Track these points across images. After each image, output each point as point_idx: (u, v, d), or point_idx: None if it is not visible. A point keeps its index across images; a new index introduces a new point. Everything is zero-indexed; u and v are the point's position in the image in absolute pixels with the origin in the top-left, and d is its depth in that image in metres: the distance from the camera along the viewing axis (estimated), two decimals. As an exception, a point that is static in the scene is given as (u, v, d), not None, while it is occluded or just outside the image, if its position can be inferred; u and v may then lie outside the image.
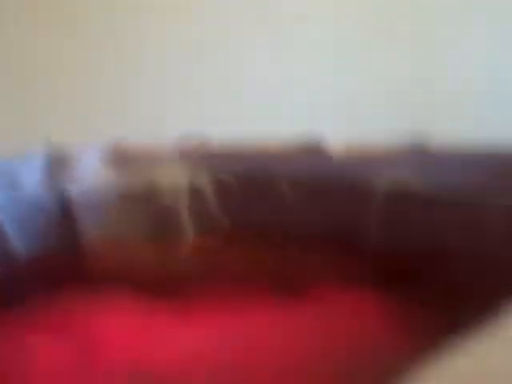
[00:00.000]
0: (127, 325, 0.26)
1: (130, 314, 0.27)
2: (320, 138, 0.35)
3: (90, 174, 0.34)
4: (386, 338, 0.26)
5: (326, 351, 0.25)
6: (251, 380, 0.22)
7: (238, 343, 0.25)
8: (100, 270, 0.31)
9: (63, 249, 0.31)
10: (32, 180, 0.31)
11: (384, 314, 0.27)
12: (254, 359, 0.23)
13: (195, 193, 0.36)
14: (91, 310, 0.27)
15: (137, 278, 0.31)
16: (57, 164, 0.33)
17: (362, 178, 0.33)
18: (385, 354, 0.25)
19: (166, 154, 0.36)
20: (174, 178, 0.36)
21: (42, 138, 0.35)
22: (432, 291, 0.28)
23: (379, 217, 0.32)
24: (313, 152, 0.34)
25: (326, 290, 0.29)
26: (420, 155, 0.33)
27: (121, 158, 0.35)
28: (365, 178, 0.33)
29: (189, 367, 0.23)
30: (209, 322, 0.26)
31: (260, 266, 0.33)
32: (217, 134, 0.37)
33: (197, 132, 0.37)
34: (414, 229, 0.32)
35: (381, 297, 0.29)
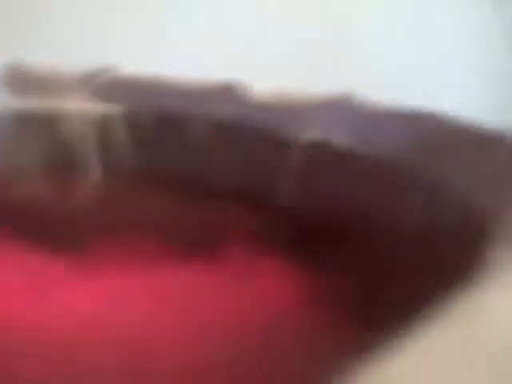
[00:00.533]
0: (10, 274, 0.23)
1: (16, 263, 0.24)
2: (245, 83, 0.32)
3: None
4: (292, 308, 0.24)
5: (227, 320, 0.23)
6: (148, 356, 0.19)
7: (135, 306, 0.22)
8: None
9: None
10: None
11: (286, 285, 0.25)
12: (152, 328, 0.21)
13: (104, 125, 0.33)
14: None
15: (29, 219, 0.27)
16: None
17: (282, 127, 0.30)
18: (289, 329, 0.23)
19: (73, 79, 0.32)
20: (81, 107, 0.32)
21: None
22: (349, 261, 0.26)
23: (297, 170, 0.30)
24: (236, 94, 0.31)
25: (235, 249, 0.27)
26: (346, 110, 0.30)
27: (20, 79, 0.31)
28: (286, 127, 0.30)
29: (81, 333, 0.20)
30: (108, 282, 0.23)
31: (170, 218, 0.29)
32: (128, 68, 0.33)
33: (111, 63, 0.33)
34: (333, 187, 0.30)
35: (291, 260, 0.27)
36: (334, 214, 0.29)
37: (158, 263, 0.25)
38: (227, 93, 0.30)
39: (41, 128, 0.31)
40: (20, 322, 0.20)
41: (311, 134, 0.30)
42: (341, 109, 0.30)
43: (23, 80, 0.31)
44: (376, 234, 0.28)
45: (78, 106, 0.32)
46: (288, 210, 0.29)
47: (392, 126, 0.29)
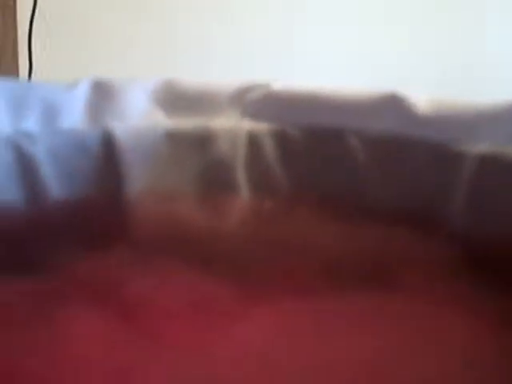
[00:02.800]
0: (175, 297, 0.22)
1: (177, 285, 0.22)
2: (402, 91, 0.30)
3: (138, 112, 0.30)
4: (487, 334, 0.22)
5: (403, 352, 0.21)
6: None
7: (311, 335, 0.20)
8: (144, 226, 0.26)
9: (104, 195, 0.26)
10: (74, 111, 0.26)
11: (476, 310, 0.23)
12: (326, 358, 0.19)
13: (254, 144, 0.31)
14: (133, 275, 0.22)
15: (185, 243, 0.26)
16: (101, 96, 0.28)
17: (450, 139, 0.28)
18: (479, 360, 0.20)
19: (223, 96, 0.31)
20: (232, 125, 0.31)
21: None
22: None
23: (469, 187, 0.27)
24: (393, 105, 0.29)
25: (407, 276, 0.24)
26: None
27: (172, 98, 0.31)
28: (454, 138, 0.28)
29: (261, 365, 0.18)
30: (269, 309, 0.21)
31: (324, 240, 0.28)
32: (280, 83, 0.32)
33: (260, 80, 0.32)
34: (509, 203, 0.27)
35: (470, 289, 0.25)
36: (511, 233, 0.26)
37: (328, 288, 0.23)
38: (390, 105, 0.28)
39: (192, 147, 0.31)
40: (195, 351, 0.18)
41: (482, 146, 0.27)
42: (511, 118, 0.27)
43: (176, 99, 0.30)
44: None
45: (230, 125, 0.31)
46: (461, 230, 0.26)
47: None
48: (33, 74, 0.87)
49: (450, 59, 1.20)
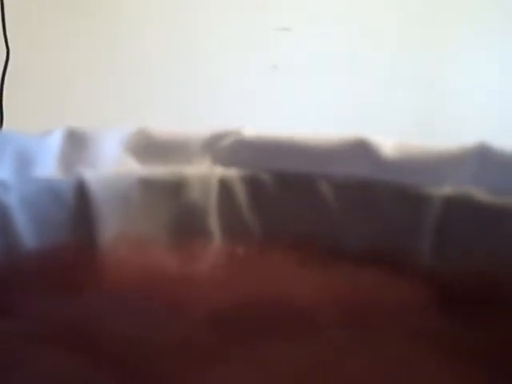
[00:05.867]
0: (150, 340, 0.22)
1: (152, 328, 0.23)
2: (367, 136, 0.31)
3: (111, 160, 0.30)
4: (453, 375, 0.22)
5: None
6: None
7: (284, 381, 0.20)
8: (117, 273, 0.26)
9: (77, 244, 0.26)
10: (47, 160, 0.27)
11: (447, 346, 0.23)
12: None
13: (225, 190, 0.32)
14: (107, 321, 0.22)
15: (158, 289, 0.26)
16: (74, 145, 0.29)
17: (416, 182, 0.29)
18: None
19: (195, 144, 0.32)
20: (203, 172, 0.32)
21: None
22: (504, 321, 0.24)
23: (436, 228, 0.28)
24: (360, 151, 0.30)
25: (379, 316, 0.25)
26: (482, 159, 0.28)
27: (145, 146, 0.31)
28: (420, 182, 0.29)
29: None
30: (245, 353, 0.21)
31: (297, 283, 0.28)
32: (251, 129, 0.33)
33: (229, 126, 0.33)
34: (477, 244, 0.27)
35: (440, 325, 0.25)
36: (478, 272, 0.27)
37: (304, 332, 0.23)
38: (357, 149, 0.29)
39: (165, 194, 0.31)
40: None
41: (449, 188, 0.28)
42: (476, 160, 0.28)
43: (148, 146, 0.31)
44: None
45: (201, 171, 0.32)
46: (430, 269, 0.27)
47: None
48: (4, 123, 0.88)
49: (412, 100, 1.23)
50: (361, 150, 0.29)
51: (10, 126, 0.90)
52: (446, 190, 0.28)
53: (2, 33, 0.88)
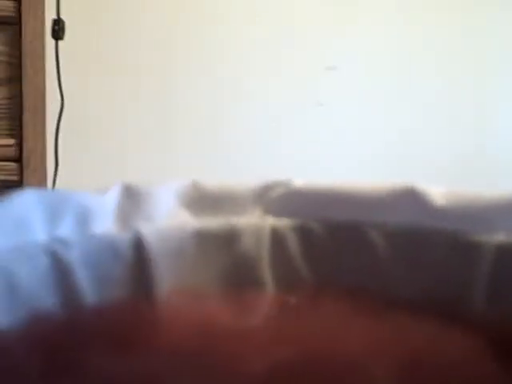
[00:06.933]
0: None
1: (208, 381, 0.23)
2: (416, 183, 0.31)
3: (165, 213, 0.31)
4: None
5: None
6: None
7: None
8: (173, 326, 0.27)
9: (136, 299, 0.27)
10: (105, 216, 0.28)
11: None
12: None
13: (277, 240, 0.32)
14: (165, 378, 0.22)
15: (213, 340, 0.26)
16: (131, 201, 0.30)
17: (467, 230, 0.29)
18: None
19: (246, 195, 0.33)
20: (255, 222, 0.32)
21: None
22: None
23: (489, 276, 0.28)
24: (409, 198, 0.30)
25: (432, 366, 0.24)
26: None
27: (198, 198, 0.32)
28: (471, 229, 0.29)
29: None
30: None
31: (350, 333, 0.28)
32: (300, 180, 0.33)
33: (279, 177, 0.34)
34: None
35: (497, 375, 0.25)
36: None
37: (357, 382, 0.23)
38: (407, 197, 0.29)
39: (218, 245, 0.32)
40: None
41: (501, 235, 0.28)
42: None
43: (201, 198, 0.32)
44: None
45: (253, 222, 0.32)
46: (483, 319, 0.27)
47: None
48: (58, 173, 0.91)
49: (450, 151, 1.23)
50: (410, 197, 0.29)
51: (64, 174, 0.93)
52: (499, 237, 0.28)
53: (57, 84, 0.91)
